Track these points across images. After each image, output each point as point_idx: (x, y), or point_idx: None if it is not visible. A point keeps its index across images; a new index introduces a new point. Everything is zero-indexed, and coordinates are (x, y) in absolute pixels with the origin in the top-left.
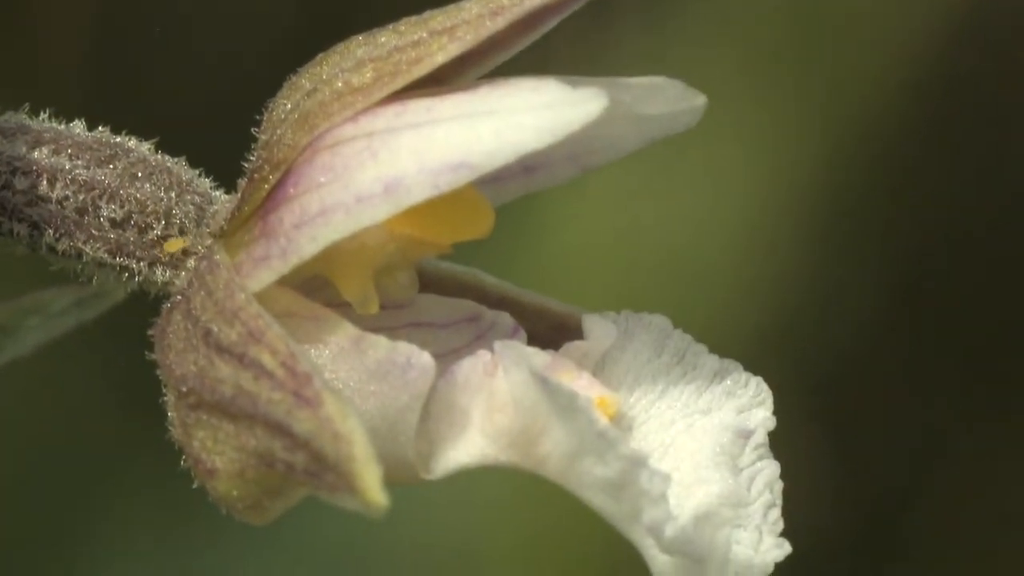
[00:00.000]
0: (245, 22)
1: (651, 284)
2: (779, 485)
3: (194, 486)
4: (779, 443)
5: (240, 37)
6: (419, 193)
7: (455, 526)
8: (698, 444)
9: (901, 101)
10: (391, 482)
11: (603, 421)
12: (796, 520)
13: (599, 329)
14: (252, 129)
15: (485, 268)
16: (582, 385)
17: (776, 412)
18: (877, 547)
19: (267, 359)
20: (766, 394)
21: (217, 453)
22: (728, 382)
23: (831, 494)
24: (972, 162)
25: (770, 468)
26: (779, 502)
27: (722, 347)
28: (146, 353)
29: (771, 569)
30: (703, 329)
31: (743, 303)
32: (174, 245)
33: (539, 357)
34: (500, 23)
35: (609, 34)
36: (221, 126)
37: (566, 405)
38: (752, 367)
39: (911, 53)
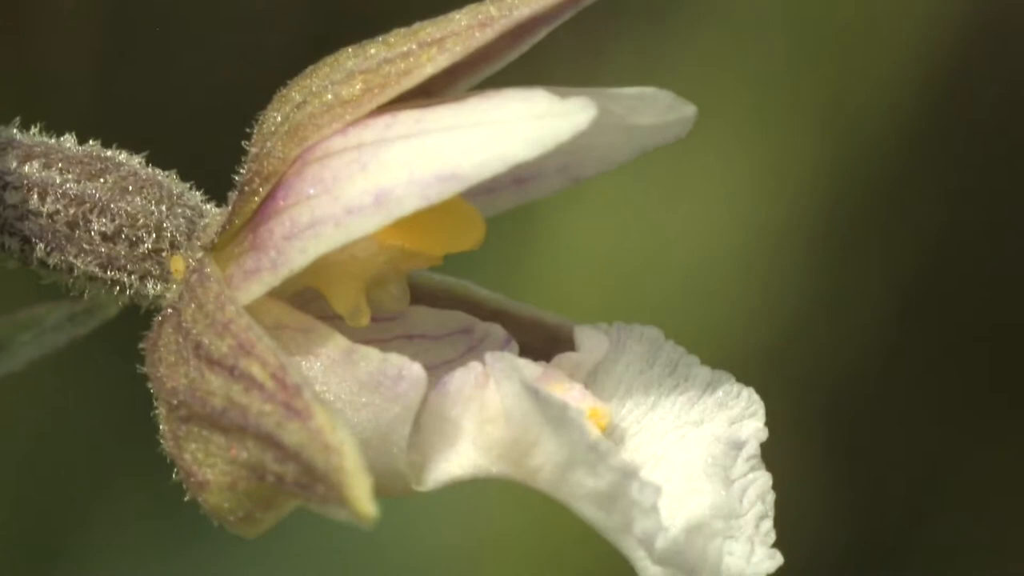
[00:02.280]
0: (246, 32)
1: (651, 298)
2: (771, 496)
3: (186, 499)
4: (786, 459)
5: (242, 49)
6: (409, 204)
7: (452, 533)
8: (690, 455)
9: (907, 113)
10: (383, 494)
11: (594, 433)
12: (805, 537)
13: (591, 341)
14: (244, 142)
15: (483, 280)
16: (574, 397)
17: (781, 428)
18: (887, 564)
19: (257, 371)
20: (758, 405)
21: (208, 465)
22: (720, 393)
23: (839, 510)
24: (979, 174)
25: (762, 479)
26: (771, 513)
27: (726, 362)
28: (137, 366)
29: None
30: (706, 344)
31: (746, 317)
32: (176, 263)
33: (530, 369)
34: (489, 35)
35: (609, 51)
36: (223, 138)
37: (557, 417)
38: (756, 381)
39: (916, 65)
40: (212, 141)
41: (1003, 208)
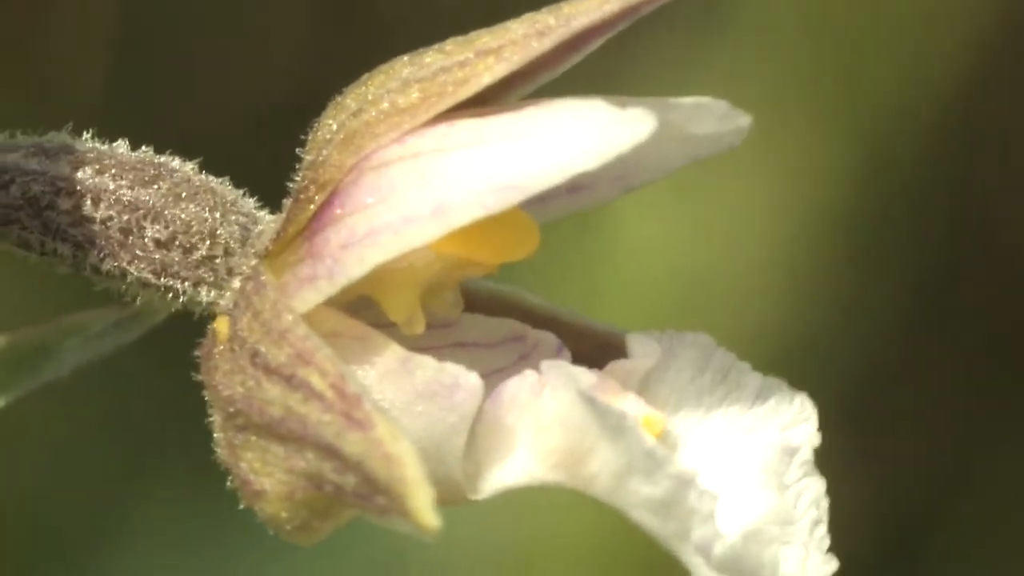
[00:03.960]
0: (276, 39)
1: (680, 301)
2: (825, 502)
3: (240, 507)
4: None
5: (268, 55)
6: (467, 214)
7: (488, 536)
8: (743, 462)
9: (927, 119)
10: (439, 503)
11: (651, 440)
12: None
13: (643, 348)
14: (298, 148)
15: (516, 287)
16: (628, 404)
17: None
18: (905, 564)
19: (316, 380)
20: (811, 411)
21: (265, 475)
22: (772, 400)
23: (857, 510)
24: (997, 178)
25: (816, 485)
26: (825, 519)
27: (758, 364)
28: (192, 374)
29: None
30: (732, 347)
31: (771, 321)
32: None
33: (585, 377)
34: (547, 44)
35: (632, 63)
36: (251, 144)
37: (614, 425)
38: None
39: (937, 74)
40: (230, 147)
41: None
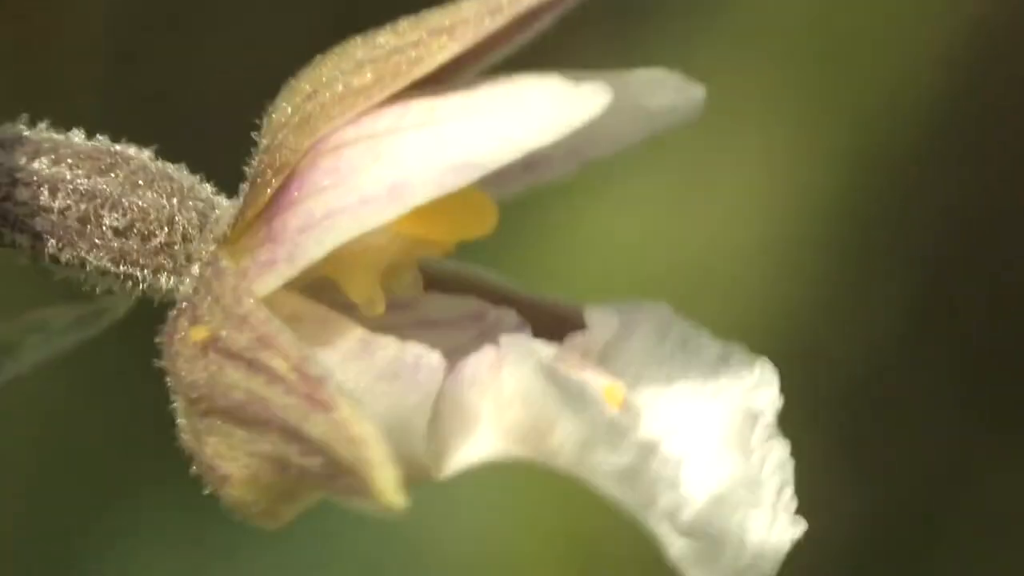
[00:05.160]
0: (252, 26)
1: (663, 295)
2: (791, 464)
3: (205, 492)
4: (795, 460)
5: (246, 41)
6: (423, 194)
7: (471, 530)
8: (708, 428)
9: (925, 116)
10: (405, 482)
11: (613, 410)
12: (813, 537)
13: (601, 319)
14: (252, 133)
15: (495, 270)
16: (588, 375)
17: (792, 429)
18: (900, 564)
19: (278, 364)
20: (772, 374)
21: (230, 459)
22: (733, 365)
23: (848, 513)
24: (997, 178)
25: (780, 448)
26: (791, 481)
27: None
28: (154, 360)
29: (786, 548)
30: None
31: (758, 316)
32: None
33: (545, 350)
34: (500, 21)
35: (630, 53)
36: (229, 131)
37: (575, 396)
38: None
39: (934, 68)
40: (217, 134)
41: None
